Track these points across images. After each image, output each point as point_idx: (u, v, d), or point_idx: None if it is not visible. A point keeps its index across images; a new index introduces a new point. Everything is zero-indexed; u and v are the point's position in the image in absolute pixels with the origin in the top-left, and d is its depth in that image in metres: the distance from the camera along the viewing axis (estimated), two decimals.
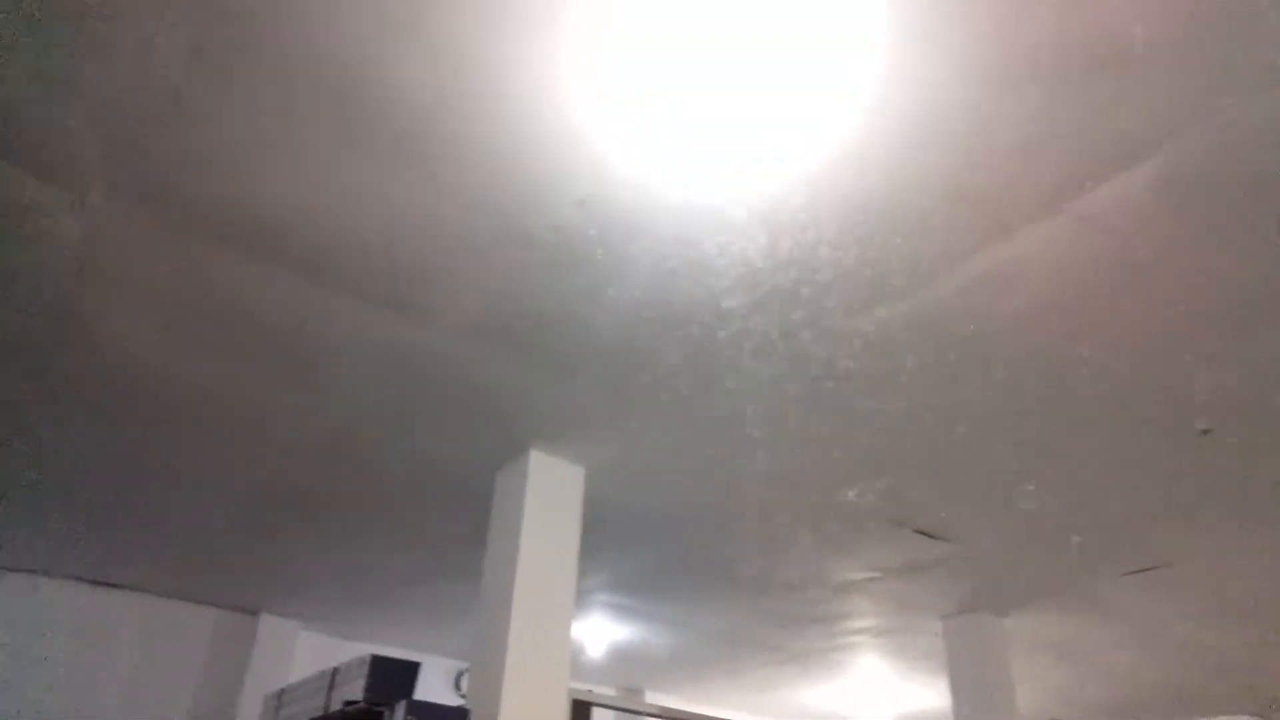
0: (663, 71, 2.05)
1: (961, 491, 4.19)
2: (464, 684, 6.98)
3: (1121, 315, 2.90)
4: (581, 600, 5.71)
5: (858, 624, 6.30)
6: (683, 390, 3.36)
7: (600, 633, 6.51)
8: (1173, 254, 2.61)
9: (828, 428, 3.59)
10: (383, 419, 3.69)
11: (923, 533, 4.63)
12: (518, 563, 3.64)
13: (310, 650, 6.38)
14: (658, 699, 7.95)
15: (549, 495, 3.86)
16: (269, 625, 6.34)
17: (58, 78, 2.11)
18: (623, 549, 5.04)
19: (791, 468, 3.95)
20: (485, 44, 2.00)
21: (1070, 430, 3.62)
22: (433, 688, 6.40)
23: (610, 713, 7.93)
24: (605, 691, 7.59)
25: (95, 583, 5.80)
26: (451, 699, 6.55)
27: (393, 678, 3.63)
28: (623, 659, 7.22)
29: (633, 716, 8.02)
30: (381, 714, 3.37)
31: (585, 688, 3.99)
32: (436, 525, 4.79)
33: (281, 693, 4.61)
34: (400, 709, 3.22)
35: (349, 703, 3.64)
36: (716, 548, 4.97)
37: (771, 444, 3.74)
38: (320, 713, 3.90)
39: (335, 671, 3.94)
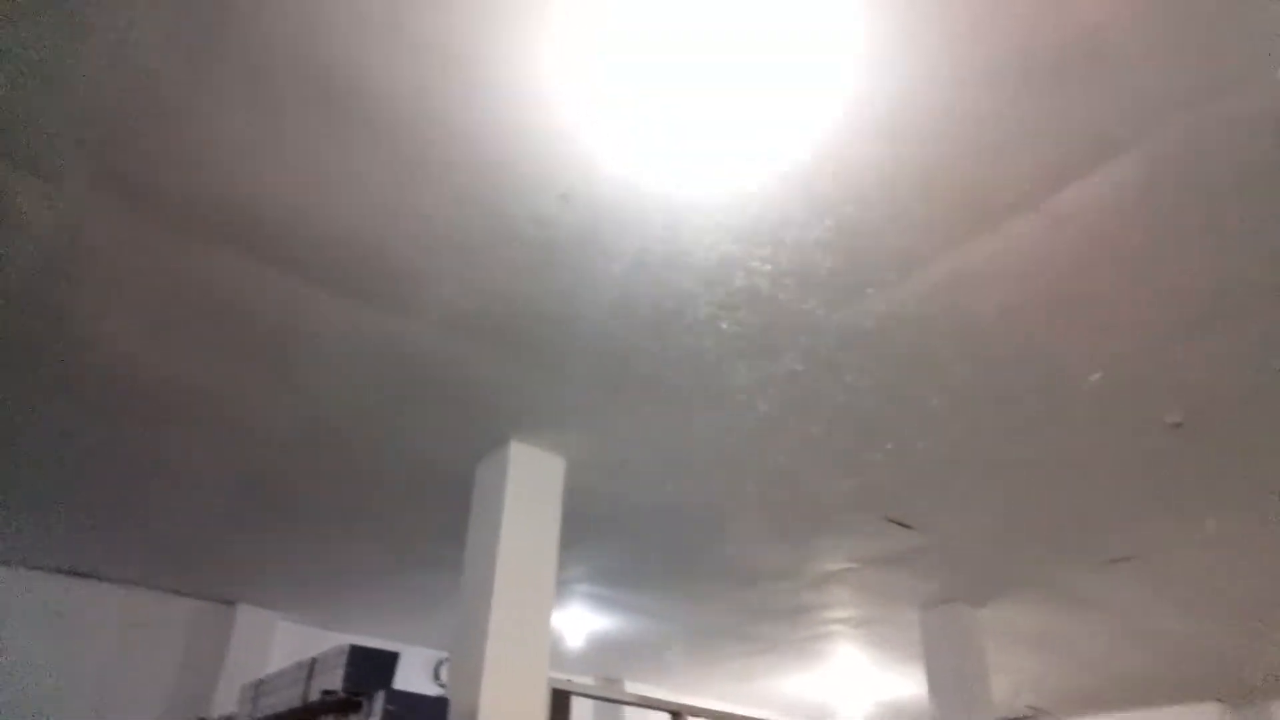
0: (648, 70, 2.05)
1: (938, 484, 4.24)
2: (443, 674, 6.99)
3: (1097, 310, 2.93)
4: (561, 590, 5.73)
5: (836, 614, 6.35)
6: (664, 383, 3.37)
7: (580, 623, 6.54)
8: (1148, 250, 2.65)
9: (808, 421, 3.62)
10: (364, 411, 3.68)
11: (901, 524, 4.68)
12: (498, 554, 3.64)
13: (288, 640, 6.37)
14: (637, 689, 7.99)
15: (530, 486, 3.87)
16: (247, 615, 6.32)
17: (35, 67, 2.09)
18: (603, 540, 5.06)
19: (772, 460, 3.98)
20: (469, 41, 2.00)
21: (1045, 424, 3.66)
22: (412, 678, 6.42)
23: (589, 702, 7.99)
24: (584, 681, 7.62)
25: (70, 573, 5.75)
26: (430, 689, 6.56)
27: (371, 668, 3.63)
28: (602, 649, 7.25)
29: (612, 706, 8.09)
30: (360, 704, 3.37)
31: (565, 677, 4.00)
32: (416, 516, 4.79)
33: (259, 683, 4.60)
34: (379, 699, 3.22)
35: (327, 693, 3.64)
36: (696, 539, 4.99)
37: (752, 437, 3.76)
38: (299, 703, 3.89)
39: (314, 661, 3.93)
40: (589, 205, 2.46)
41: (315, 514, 4.82)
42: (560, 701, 3.78)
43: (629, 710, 7.98)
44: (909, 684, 7.82)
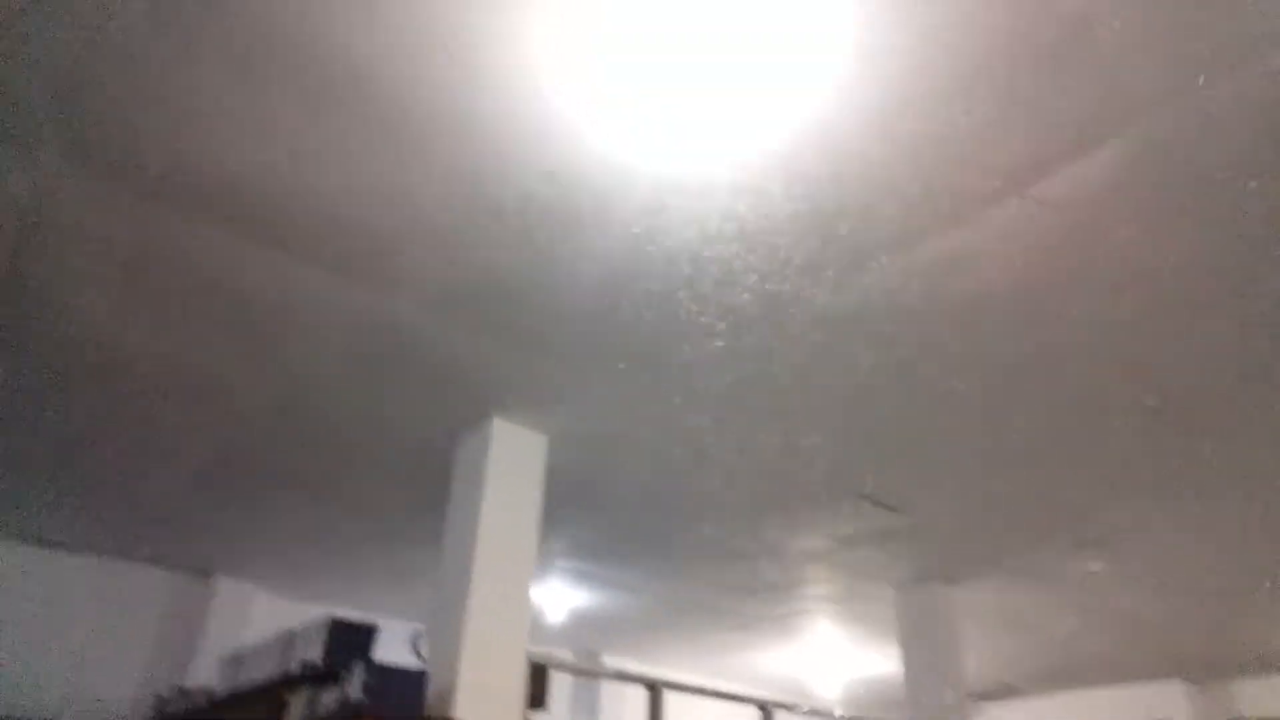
0: (634, 51, 2.04)
1: (916, 465, 4.28)
2: (421, 646, 7.01)
3: (1077, 296, 2.96)
4: (542, 565, 5.75)
5: (813, 591, 6.42)
6: (647, 361, 3.38)
7: (560, 598, 6.57)
8: (1128, 237, 2.68)
9: (789, 401, 3.64)
10: (342, 385, 3.67)
11: (878, 504, 4.72)
12: (478, 529, 3.66)
13: (267, 613, 6.36)
14: (615, 663, 8.06)
15: (511, 463, 3.87)
16: (225, 587, 6.30)
17: (14, 40, 2.04)
18: (583, 516, 5.08)
19: (752, 439, 4.00)
20: (456, 20, 1.98)
21: (1024, 407, 3.70)
22: (391, 650, 6.43)
23: (568, 676, 8.05)
24: (563, 655, 7.68)
25: (45, 544, 5.71)
26: (409, 661, 6.59)
27: (351, 640, 3.65)
28: (582, 624, 7.30)
29: (590, 680, 8.16)
30: (339, 676, 3.39)
31: (543, 651, 4.03)
32: (396, 490, 4.79)
33: (238, 654, 4.61)
34: (358, 671, 3.24)
35: (306, 664, 3.66)
36: (676, 516, 5.03)
37: (733, 416, 3.78)
38: (277, 674, 3.91)
39: (292, 634, 3.94)
40: (574, 184, 2.45)
41: (294, 487, 4.80)
42: (539, 675, 3.81)
43: (607, 684, 8.06)
44: (883, 661, 7.94)
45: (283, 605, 6.60)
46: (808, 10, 1.96)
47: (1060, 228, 2.63)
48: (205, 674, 5.44)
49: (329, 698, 3.40)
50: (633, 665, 7.93)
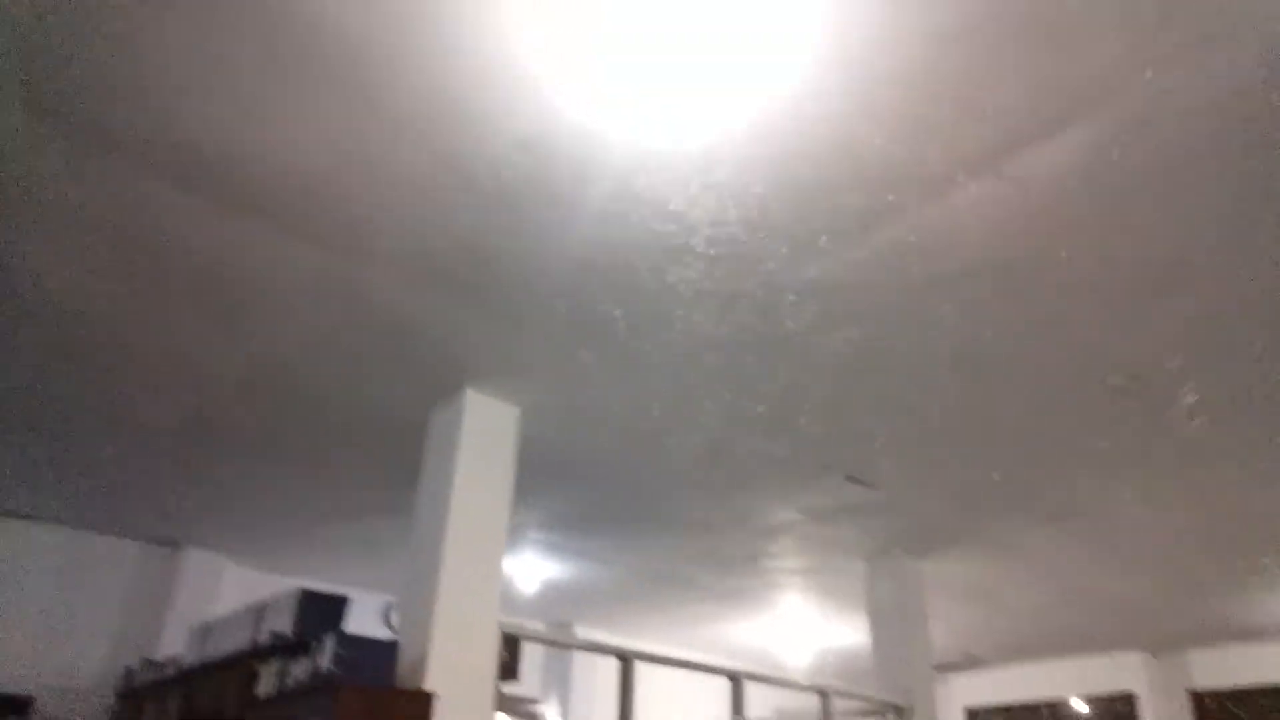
0: (610, 19, 2.01)
1: (887, 440, 4.32)
2: (393, 618, 7.01)
3: (1046, 275, 2.99)
4: (514, 537, 5.76)
5: (783, 564, 6.50)
6: (620, 334, 3.37)
7: (532, 569, 6.60)
8: (1100, 218, 2.70)
9: (762, 374, 3.66)
10: (314, 355, 3.62)
11: (850, 478, 4.77)
12: (450, 501, 3.65)
13: (237, 584, 6.33)
14: (587, 634, 8.12)
15: (484, 435, 3.86)
16: (193, 559, 6.25)
17: None
18: (556, 488, 5.09)
19: (723, 411, 4.02)
20: None
21: (992, 384, 3.75)
22: (363, 621, 6.42)
23: (540, 647, 8.10)
24: (536, 626, 7.72)
25: (7, 514, 5.63)
26: (381, 633, 6.59)
27: (321, 611, 3.64)
28: (554, 595, 7.34)
29: (562, 650, 8.22)
30: (310, 647, 3.38)
31: (516, 622, 4.05)
32: (367, 462, 4.76)
33: (207, 625, 4.59)
34: (329, 642, 3.24)
35: (277, 635, 3.65)
36: (648, 488, 5.05)
37: (706, 388, 3.79)
38: (247, 645, 3.90)
39: (263, 605, 3.93)
40: (549, 154, 2.42)
41: (263, 458, 4.76)
42: (511, 645, 3.83)
43: (579, 655, 8.13)
44: (852, 632, 8.06)
45: (252, 576, 6.56)
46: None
47: (1029, 208, 2.65)
48: (174, 645, 5.40)
49: (299, 669, 3.40)
50: (605, 636, 7.99)
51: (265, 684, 3.63)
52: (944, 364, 3.59)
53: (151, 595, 6.07)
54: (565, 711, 8.18)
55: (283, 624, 3.64)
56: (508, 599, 6.53)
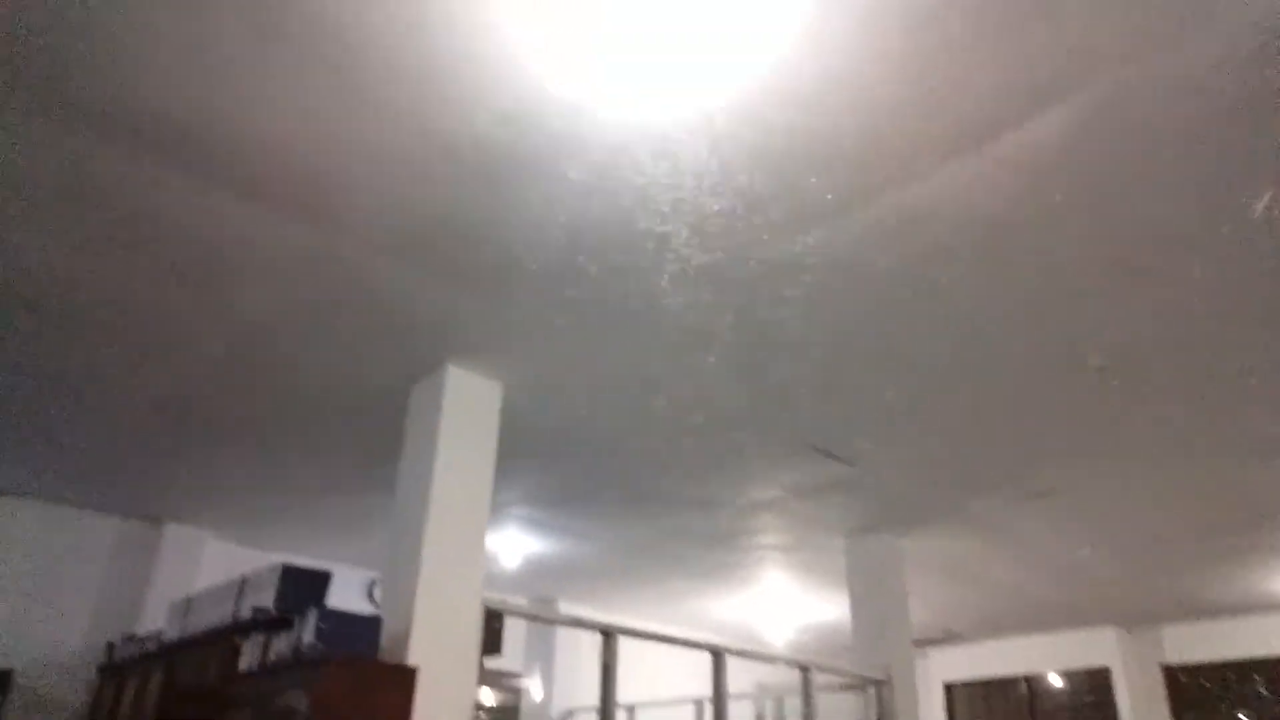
0: None
1: (868, 419, 4.35)
2: (376, 593, 7.02)
3: (1028, 255, 3.00)
4: (497, 513, 5.77)
5: (765, 540, 6.54)
6: (603, 310, 3.36)
7: (515, 545, 6.61)
8: (1080, 198, 2.71)
9: (745, 351, 3.66)
10: (293, 329, 3.60)
11: (830, 455, 4.80)
12: (432, 476, 3.64)
13: (218, 559, 6.31)
14: (570, 609, 8.17)
15: (465, 411, 3.85)
16: (174, 534, 6.23)
17: None
18: (538, 464, 5.09)
19: (707, 389, 4.03)
20: None
21: (973, 363, 3.77)
22: (345, 597, 6.43)
23: (523, 622, 8.14)
24: (519, 602, 7.75)
25: None
26: (365, 608, 6.60)
27: (303, 586, 3.64)
28: (537, 570, 7.36)
29: (545, 625, 8.26)
30: (292, 622, 3.38)
31: (499, 597, 4.06)
32: (349, 438, 4.74)
33: (189, 600, 4.58)
34: (311, 616, 3.23)
35: (259, 610, 3.65)
36: (631, 465, 5.06)
37: (689, 365, 3.80)
38: (229, 620, 3.90)
39: (244, 580, 3.92)
40: (531, 128, 2.40)
41: (244, 433, 4.73)
42: (493, 620, 3.84)
43: (562, 630, 8.17)
44: (832, 608, 8.15)
45: (233, 551, 6.54)
46: None
47: (1013, 188, 2.65)
48: (156, 620, 5.39)
49: (282, 644, 3.40)
50: (588, 612, 8.04)
51: (248, 659, 3.63)
52: (923, 343, 3.60)
53: (132, 570, 6.05)
54: (548, 686, 8.24)
55: (265, 599, 3.64)
56: (491, 574, 6.57)
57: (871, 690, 5.81)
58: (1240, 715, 8.71)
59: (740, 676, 5.28)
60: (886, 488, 5.37)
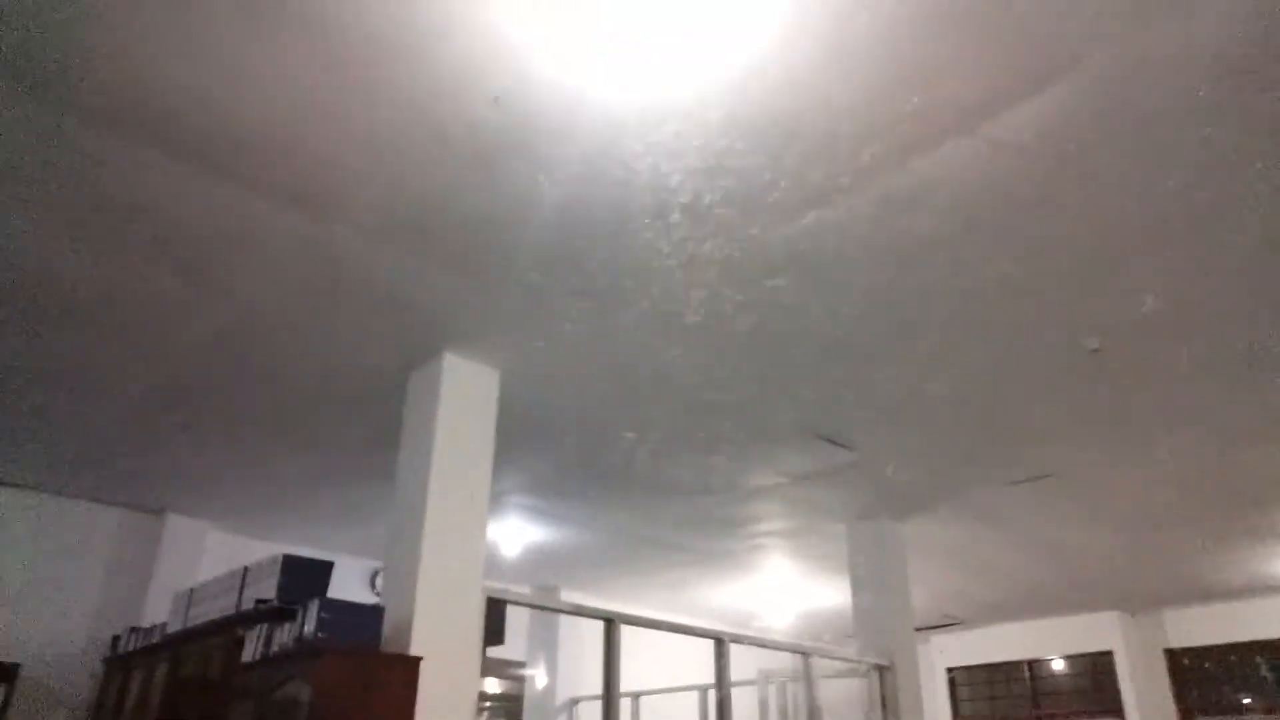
0: None
1: (867, 403, 4.34)
2: (379, 583, 7.04)
3: (1025, 235, 2.99)
4: (497, 502, 5.77)
5: (765, 526, 6.55)
6: (600, 296, 3.35)
7: (517, 534, 6.62)
8: (1077, 179, 2.69)
9: (742, 337, 3.65)
10: (285, 317, 3.58)
11: (829, 441, 4.80)
12: (431, 465, 3.64)
13: (220, 550, 6.32)
14: (572, 597, 8.19)
15: (463, 399, 3.84)
16: (176, 525, 6.23)
17: None
18: (538, 452, 5.09)
19: (705, 375, 4.02)
20: None
21: (969, 347, 3.76)
22: (348, 587, 6.45)
23: (526, 610, 8.16)
24: (521, 590, 7.77)
25: None
26: (368, 598, 6.62)
27: (305, 577, 3.65)
28: (539, 559, 7.38)
29: (547, 613, 8.28)
30: (294, 612, 3.38)
31: (501, 586, 4.07)
32: (348, 427, 4.74)
33: (191, 592, 4.59)
34: (313, 607, 3.24)
35: (261, 601, 3.65)
36: (630, 452, 5.05)
37: (687, 352, 3.78)
38: (232, 611, 3.91)
39: (246, 571, 3.93)
40: (523, 110, 2.39)
41: (242, 423, 4.73)
42: (495, 609, 3.85)
43: (565, 618, 8.19)
44: (834, 593, 8.15)
45: (235, 542, 6.55)
46: None
47: (1008, 168, 2.63)
48: (159, 612, 5.40)
49: (284, 634, 3.41)
50: (590, 600, 8.05)
51: (250, 649, 3.64)
52: (920, 326, 3.59)
53: (135, 562, 6.06)
54: (552, 674, 8.27)
55: (267, 590, 3.65)
56: (493, 564, 6.57)
57: (874, 676, 5.82)
58: (1244, 698, 8.73)
59: (743, 663, 5.30)
60: (886, 473, 5.36)
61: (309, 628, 3.21)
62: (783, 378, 4.04)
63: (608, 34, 2.14)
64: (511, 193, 2.74)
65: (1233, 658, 8.87)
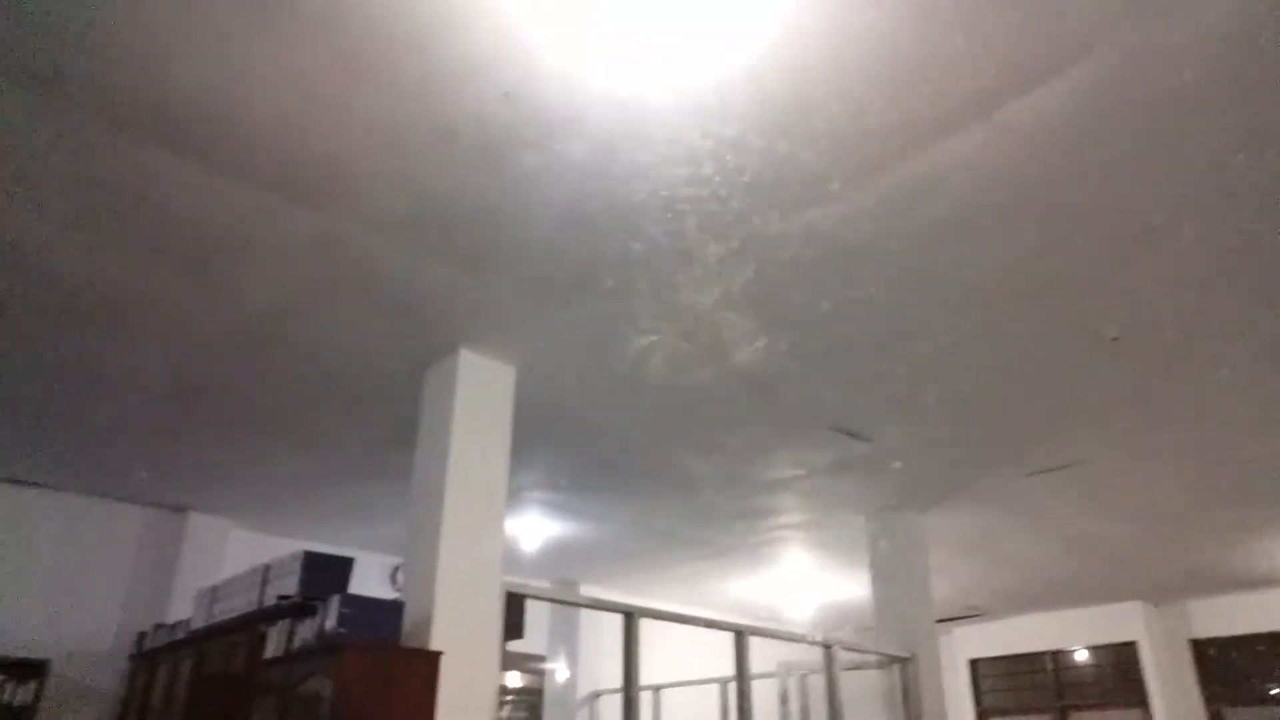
0: None
1: (885, 394, 4.31)
2: (400, 579, 7.08)
3: (1040, 224, 2.95)
4: (516, 497, 5.79)
5: (784, 519, 6.53)
6: (614, 290, 3.34)
7: (535, 528, 6.64)
8: (1091, 165, 2.66)
9: (758, 329, 3.64)
10: (301, 314, 3.59)
11: (847, 433, 4.77)
12: (448, 462, 3.65)
13: (242, 547, 6.38)
14: (591, 591, 8.21)
15: (480, 395, 3.85)
16: (198, 523, 6.31)
17: None
18: (555, 447, 5.09)
19: (719, 367, 4.00)
20: None
21: (989, 336, 3.73)
22: (369, 583, 6.49)
23: (545, 605, 8.19)
24: (541, 585, 7.80)
25: (12, 482, 5.66)
26: (389, 594, 6.66)
27: (326, 573, 3.67)
28: (559, 554, 7.39)
29: (567, 608, 8.30)
30: (316, 608, 3.41)
31: (520, 581, 4.08)
32: (365, 425, 4.76)
33: (215, 588, 4.64)
34: (334, 603, 3.26)
35: (283, 597, 3.68)
36: (648, 446, 5.05)
37: (701, 344, 3.77)
38: (254, 607, 3.94)
39: (268, 568, 3.96)
40: (533, 104, 2.38)
41: (260, 421, 4.76)
42: (515, 604, 3.86)
43: (585, 612, 8.22)
44: (854, 586, 8.13)
45: (256, 539, 6.62)
46: None
47: (1020, 156, 2.60)
48: (183, 608, 5.46)
49: (306, 630, 3.43)
50: (609, 594, 8.07)
51: (273, 645, 3.68)
52: (936, 317, 3.56)
53: (159, 560, 6.14)
54: (573, 668, 8.30)
55: (288, 586, 3.67)
56: (512, 559, 6.60)
57: (896, 667, 5.80)
58: (1271, 688, 8.63)
59: (763, 655, 5.29)
60: (905, 464, 5.33)
61: (330, 623, 3.23)
62: (796, 369, 4.02)
63: (616, 29, 2.14)
64: (521, 187, 2.73)
65: (1260, 648, 8.77)
